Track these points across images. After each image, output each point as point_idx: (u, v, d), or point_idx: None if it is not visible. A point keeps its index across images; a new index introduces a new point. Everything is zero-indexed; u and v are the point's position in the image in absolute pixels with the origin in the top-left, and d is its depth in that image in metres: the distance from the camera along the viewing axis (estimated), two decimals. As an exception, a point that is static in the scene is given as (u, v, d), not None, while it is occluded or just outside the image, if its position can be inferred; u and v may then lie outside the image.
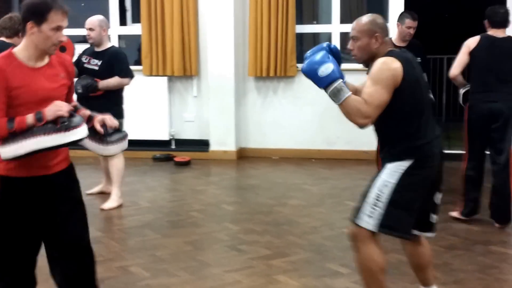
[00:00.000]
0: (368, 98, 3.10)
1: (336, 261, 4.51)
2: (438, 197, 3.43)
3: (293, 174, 7.48)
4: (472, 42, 5.28)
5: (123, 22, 9.04)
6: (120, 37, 8.90)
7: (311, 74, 3.15)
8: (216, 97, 8.16)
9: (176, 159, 8.02)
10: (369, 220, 3.22)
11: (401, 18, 6.16)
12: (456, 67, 5.34)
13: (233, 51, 8.08)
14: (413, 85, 3.19)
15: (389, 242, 5.03)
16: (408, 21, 6.09)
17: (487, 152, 5.30)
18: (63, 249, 2.99)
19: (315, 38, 9.58)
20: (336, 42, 8.23)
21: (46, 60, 2.94)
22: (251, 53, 8.11)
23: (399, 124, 3.22)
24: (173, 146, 8.45)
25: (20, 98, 2.81)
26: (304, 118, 8.20)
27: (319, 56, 3.17)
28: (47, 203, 2.94)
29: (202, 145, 8.37)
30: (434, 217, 3.46)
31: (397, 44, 5.96)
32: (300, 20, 8.74)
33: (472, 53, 5.24)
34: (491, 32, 5.26)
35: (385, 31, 3.31)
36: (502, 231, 5.20)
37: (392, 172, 3.21)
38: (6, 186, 2.90)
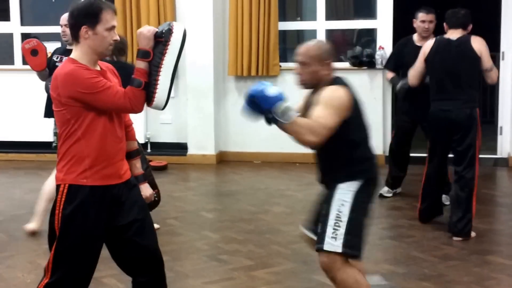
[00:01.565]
0: (321, 119, 3.22)
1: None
2: None
3: (276, 179, 7.41)
4: (427, 47, 5.30)
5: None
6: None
7: (259, 93, 3.23)
8: (195, 98, 8.07)
9: (152, 163, 7.87)
10: (334, 242, 3.29)
11: (416, 13, 6.12)
12: (414, 77, 5.42)
13: (212, 49, 8.00)
14: (359, 110, 3.43)
15: (380, 252, 4.99)
16: (421, 15, 6.06)
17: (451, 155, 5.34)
18: (141, 262, 3.14)
19: (299, 36, 9.52)
20: (321, 39, 8.16)
21: (98, 67, 3.05)
22: (231, 51, 8.03)
23: (351, 146, 3.41)
24: (149, 150, 8.34)
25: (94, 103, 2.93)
26: (288, 120, 8.11)
27: (264, 84, 3.30)
28: (121, 212, 3.05)
29: (179, 148, 8.27)
30: None
31: (418, 44, 5.96)
32: (283, 17, 8.67)
33: (428, 58, 5.26)
34: (448, 34, 5.26)
35: (332, 56, 3.48)
36: (499, 241, 5.16)
37: (346, 191, 3.35)
38: (83, 196, 2.96)
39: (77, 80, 2.89)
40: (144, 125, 8.29)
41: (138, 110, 2.99)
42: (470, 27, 5.28)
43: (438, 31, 5.92)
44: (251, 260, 4.65)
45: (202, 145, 8.13)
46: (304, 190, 6.82)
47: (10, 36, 8.76)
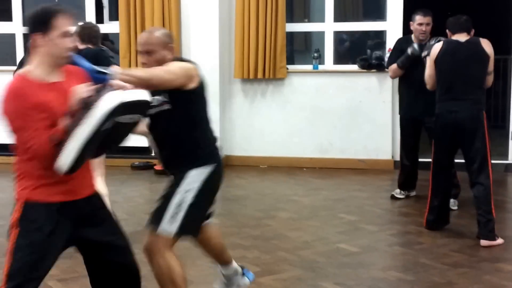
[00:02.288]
0: (151, 71, 3.32)
1: (330, 279, 4.44)
2: None
3: (282, 184, 7.42)
4: (435, 50, 5.34)
5: (99, 19, 8.95)
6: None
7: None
8: (200, 101, 8.07)
9: (156, 167, 7.93)
10: (170, 226, 3.43)
11: (412, 15, 6.18)
12: (430, 83, 5.42)
13: (218, 51, 8.02)
14: (204, 92, 3.56)
15: (389, 259, 5.00)
16: (418, 17, 6.11)
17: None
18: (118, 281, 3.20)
19: (306, 37, 9.54)
20: (329, 41, 8.19)
21: (61, 74, 2.97)
22: (237, 54, 8.04)
23: (195, 126, 3.54)
24: (153, 153, 8.35)
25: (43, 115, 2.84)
26: (295, 123, 8.14)
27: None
28: (89, 229, 3.05)
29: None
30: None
31: None
32: (290, 18, 8.69)
33: (436, 60, 5.29)
34: (454, 37, 5.32)
35: (173, 40, 3.63)
36: (510, 248, 5.15)
37: (196, 177, 3.46)
38: (32, 212, 2.94)
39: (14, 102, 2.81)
40: (148, 128, 8.30)
41: (42, 161, 2.87)
42: (472, 32, 5.35)
43: (435, 33, 5.98)
44: (258, 267, 4.65)
45: (207, 149, 8.13)
46: (311, 195, 6.83)
47: (12, 36, 8.81)
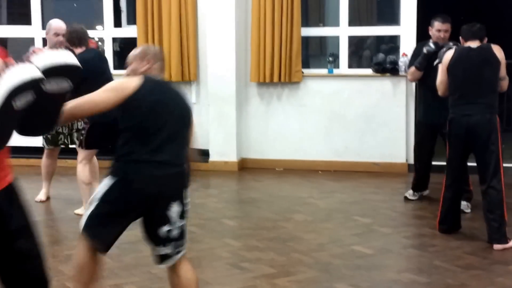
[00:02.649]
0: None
1: (345, 281, 4.48)
2: (163, 231, 3.57)
3: (298, 187, 7.46)
4: (447, 57, 5.40)
5: (117, 23, 9.05)
6: (114, 39, 8.89)
7: None
8: (216, 104, 8.15)
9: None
10: (83, 220, 3.55)
11: (431, 21, 6.20)
12: (442, 89, 5.46)
13: (234, 55, 8.07)
14: (147, 109, 3.44)
15: (403, 261, 5.04)
16: (437, 24, 6.13)
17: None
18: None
19: (321, 42, 9.59)
20: (344, 45, 8.23)
21: None
22: (253, 57, 8.10)
23: (122, 138, 3.49)
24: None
25: None
26: (310, 127, 8.19)
27: None
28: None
29: (201, 155, 8.33)
30: (160, 249, 3.61)
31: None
32: (305, 23, 8.74)
33: (449, 67, 5.35)
34: (467, 44, 5.38)
35: (154, 59, 3.67)
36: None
37: (104, 184, 3.51)
38: None
39: None
40: (165, 131, 8.37)
41: None
42: (485, 40, 5.41)
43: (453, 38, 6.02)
44: (273, 268, 4.70)
45: (223, 152, 8.20)
46: (326, 198, 6.87)
47: (31, 40, 8.92)
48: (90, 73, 4.86)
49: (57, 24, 6.32)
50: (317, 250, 5.14)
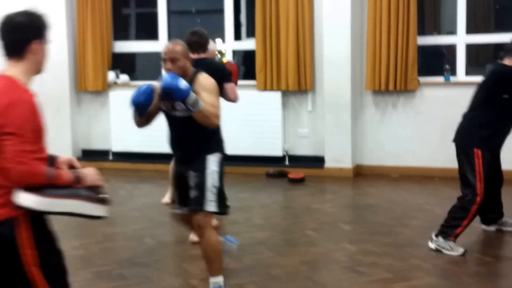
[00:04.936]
0: (215, 103, 3.97)
1: (463, 287, 4.28)
2: None
3: (414, 193, 7.25)
4: None
5: (237, 36, 9.15)
6: (234, 52, 9.00)
7: (174, 85, 3.75)
8: (332, 112, 8.07)
9: (290, 175, 7.98)
10: (214, 204, 4.00)
11: None
12: None
13: (349, 64, 7.97)
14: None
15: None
16: None
17: None
18: None
19: (437, 50, 9.31)
20: (461, 54, 7.94)
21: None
22: (369, 66, 7.97)
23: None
24: (286, 163, 8.42)
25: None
26: (426, 134, 7.95)
27: (171, 76, 3.83)
28: None
29: (316, 161, 8.28)
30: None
31: None
32: (421, 31, 8.50)
33: None
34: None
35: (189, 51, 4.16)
36: None
37: (214, 162, 4.07)
38: None
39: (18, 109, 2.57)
40: (282, 138, 8.39)
41: (16, 184, 2.58)
42: None
43: None
44: (390, 273, 4.57)
45: (339, 159, 8.11)
46: (443, 204, 6.59)
47: (158, 55, 9.16)
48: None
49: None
50: (435, 256, 4.95)
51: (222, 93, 5.26)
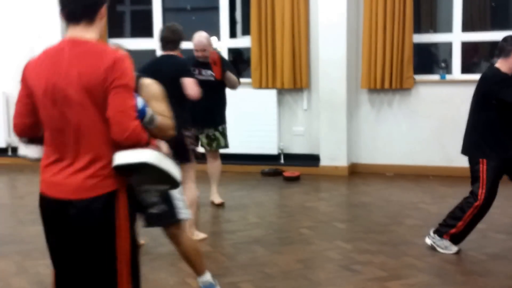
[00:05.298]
0: (167, 112, 3.35)
1: (458, 286, 4.33)
2: None
3: (408, 192, 7.28)
4: None
5: (233, 34, 9.17)
6: (229, 49, 9.02)
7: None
8: (327, 110, 8.10)
9: (285, 174, 8.01)
10: (184, 211, 4.01)
11: None
12: None
13: (345, 62, 8.00)
14: None
15: None
16: None
17: None
18: None
19: (432, 48, 9.34)
20: (457, 52, 7.98)
21: None
22: (364, 64, 8.00)
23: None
24: (281, 161, 8.45)
25: None
26: (421, 133, 7.99)
27: None
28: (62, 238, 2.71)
29: (312, 160, 8.32)
30: None
31: None
32: (417, 29, 8.54)
33: None
34: None
35: None
36: None
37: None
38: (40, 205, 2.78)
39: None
40: (278, 137, 8.43)
41: (125, 141, 2.60)
42: None
43: None
44: (385, 271, 4.60)
45: (334, 157, 8.14)
46: (438, 203, 6.67)
47: (153, 52, 9.17)
48: None
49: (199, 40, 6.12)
50: (429, 254, 4.99)
51: (182, 88, 5.09)
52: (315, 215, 6.31)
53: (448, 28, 8.12)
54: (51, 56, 2.65)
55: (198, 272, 4.14)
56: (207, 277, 4.15)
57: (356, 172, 8.18)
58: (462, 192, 7.13)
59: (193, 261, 4.10)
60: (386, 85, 7.93)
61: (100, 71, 2.56)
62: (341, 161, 8.11)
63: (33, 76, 2.66)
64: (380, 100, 8.17)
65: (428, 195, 7.04)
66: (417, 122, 8.00)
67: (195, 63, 6.10)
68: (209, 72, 6.11)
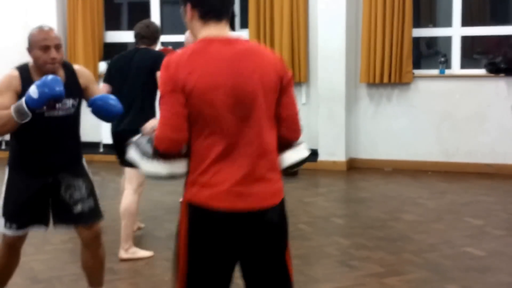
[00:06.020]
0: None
1: (456, 282, 4.32)
2: None
3: (407, 187, 7.28)
4: None
5: (231, 27, 9.13)
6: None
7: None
8: (326, 105, 8.08)
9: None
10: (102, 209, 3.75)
11: None
12: None
13: (344, 57, 7.98)
14: None
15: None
16: None
17: None
18: None
19: (432, 42, 9.33)
20: (456, 46, 7.97)
21: None
22: (363, 59, 7.98)
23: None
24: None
25: None
26: (420, 127, 7.98)
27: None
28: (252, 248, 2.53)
29: (310, 155, 8.27)
30: None
31: None
32: (417, 23, 8.52)
33: None
34: None
35: None
36: None
37: (86, 166, 3.78)
38: (201, 219, 2.48)
39: None
40: (276, 131, 8.40)
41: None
42: None
43: None
44: (382, 267, 4.60)
45: (332, 152, 8.13)
46: (436, 198, 6.67)
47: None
48: None
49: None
50: (428, 250, 4.98)
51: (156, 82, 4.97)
52: (313, 210, 6.30)
53: (448, 23, 8.10)
54: (211, 58, 2.44)
55: (100, 283, 3.87)
56: None
57: (355, 167, 8.17)
58: (460, 187, 7.18)
59: (103, 268, 3.83)
60: (385, 79, 7.92)
61: (272, 70, 2.49)
62: (340, 156, 8.10)
63: (195, 81, 2.39)
64: (379, 95, 8.15)
65: (427, 190, 7.04)
66: (415, 116, 7.99)
67: None
68: None
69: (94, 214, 3.68)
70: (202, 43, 2.48)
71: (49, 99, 3.24)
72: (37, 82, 3.24)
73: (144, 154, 2.49)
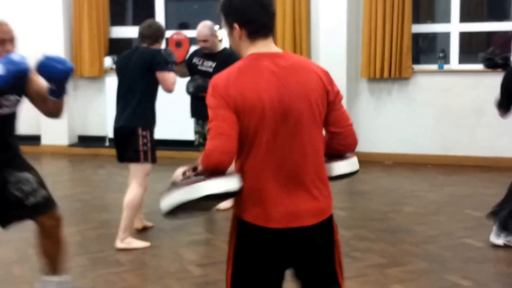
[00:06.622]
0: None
1: (456, 273, 4.33)
2: None
3: (407, 180, 7.29)
4: None
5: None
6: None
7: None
8: (327, 99, 8.06)
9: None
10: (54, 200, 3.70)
11: None
12: None
13: (345, 51, 7.98)
14: None
15: None
16: None
17: None
18: None
19: (431, 38, 9.33)
20: (455, 42, 7.97)
21: None
22: (364, 54, 7.98)
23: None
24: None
25: None
26: (420, 121, 7.98)
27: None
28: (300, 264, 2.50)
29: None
30: None
31: None
32: (416, 19, 8.52)
33: None
34: None
35: None
36: None
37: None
38: (251, 235, 2.45)
39: None
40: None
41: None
42: None
43: None
44: (384, 258, 4.61)
45: (333, 145, 8.11)
46: (436, 191, 6.68)
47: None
48: None
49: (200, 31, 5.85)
50: (428, 242, 5.00)
51: (152, 82, 4.98)
52: (314, 202, 6.30)
53: (446, 19, 8.10)
54: (259, 74, 2.40)
55: (62, 269, 3.83)
56: (63, 278, 3.85)
57: (356, 161, 8.15)
58: (460, 180, 7.19)
59: (60, 258, 3.81)
60: (386, 74, 7.93)
61: (319, 84, 2.47)
62: (340, 150, 8.09)
63: (244, 98, 2.35)
64: (379, 89, 8.16)
65: (427, 183, 7.05)
66: (415, 111, 8.00)
67: (200, 53, 6.04)
68: (210, 63, 6.01)
69: (50, 202, 3.67)
70: (250, 59, 2.45)
71: (15, 75, 3.25)
72: (1, 60, 3.26)
73: (188, 183, 2.28)
